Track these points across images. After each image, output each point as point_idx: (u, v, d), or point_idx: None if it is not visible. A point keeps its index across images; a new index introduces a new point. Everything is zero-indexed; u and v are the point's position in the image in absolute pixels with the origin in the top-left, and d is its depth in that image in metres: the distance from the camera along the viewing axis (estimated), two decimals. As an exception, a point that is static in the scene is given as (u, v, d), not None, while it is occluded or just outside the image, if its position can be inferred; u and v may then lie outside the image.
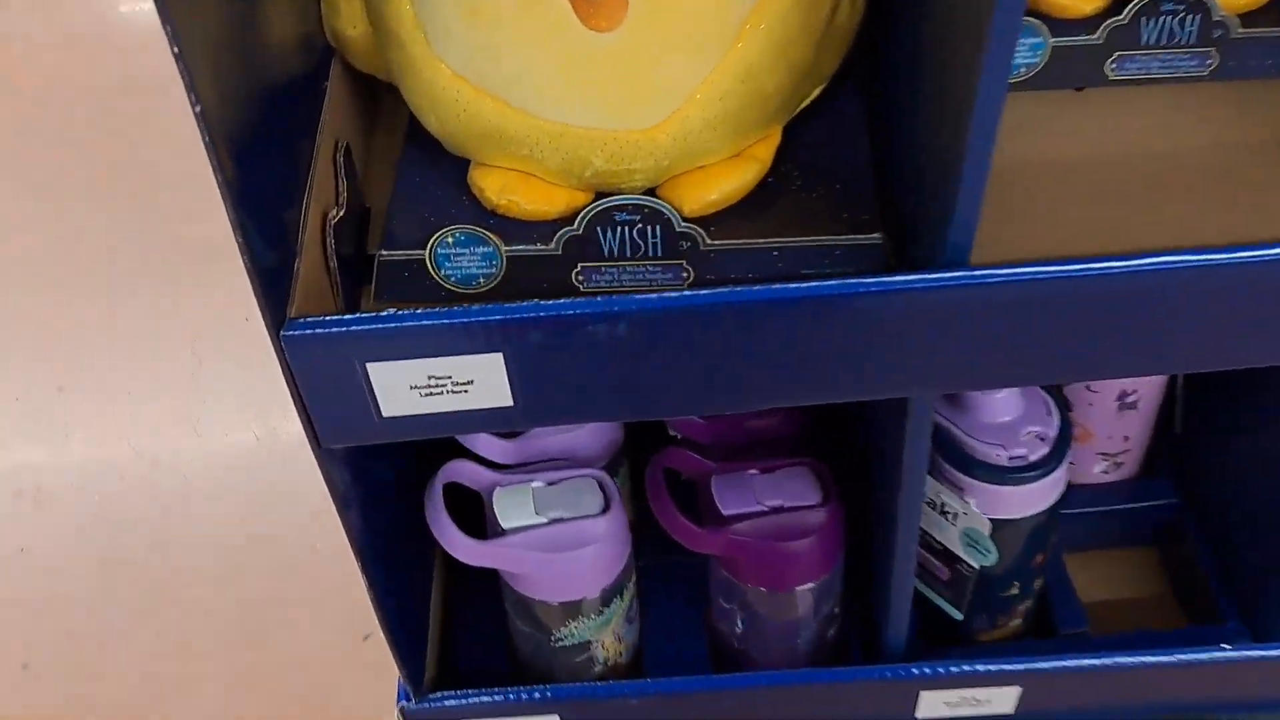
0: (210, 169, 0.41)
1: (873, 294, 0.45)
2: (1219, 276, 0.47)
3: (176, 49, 0.38)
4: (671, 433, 0.70)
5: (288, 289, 0.47)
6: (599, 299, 0.45)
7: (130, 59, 1.41)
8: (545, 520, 0.62)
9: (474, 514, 0.64)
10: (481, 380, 0.47)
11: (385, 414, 0.48)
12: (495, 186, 0.50)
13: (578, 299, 0.45)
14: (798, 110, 0.52)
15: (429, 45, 0.48)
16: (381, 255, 0.50)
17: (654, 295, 0.45)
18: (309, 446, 0.50)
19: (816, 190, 0.52)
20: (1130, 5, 0.56)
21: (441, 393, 0.47)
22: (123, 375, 1.13)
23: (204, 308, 1.16)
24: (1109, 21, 0.56)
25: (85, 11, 1.48)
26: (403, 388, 0.47)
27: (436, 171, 0.53)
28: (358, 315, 0.46)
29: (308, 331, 0.46)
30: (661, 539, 0.65)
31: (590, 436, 0.67)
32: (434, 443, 0.54)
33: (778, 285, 0.45)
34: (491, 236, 0.48)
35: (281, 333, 0.46)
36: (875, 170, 0.53)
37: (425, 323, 0.45)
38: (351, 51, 0.53)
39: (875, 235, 0.50)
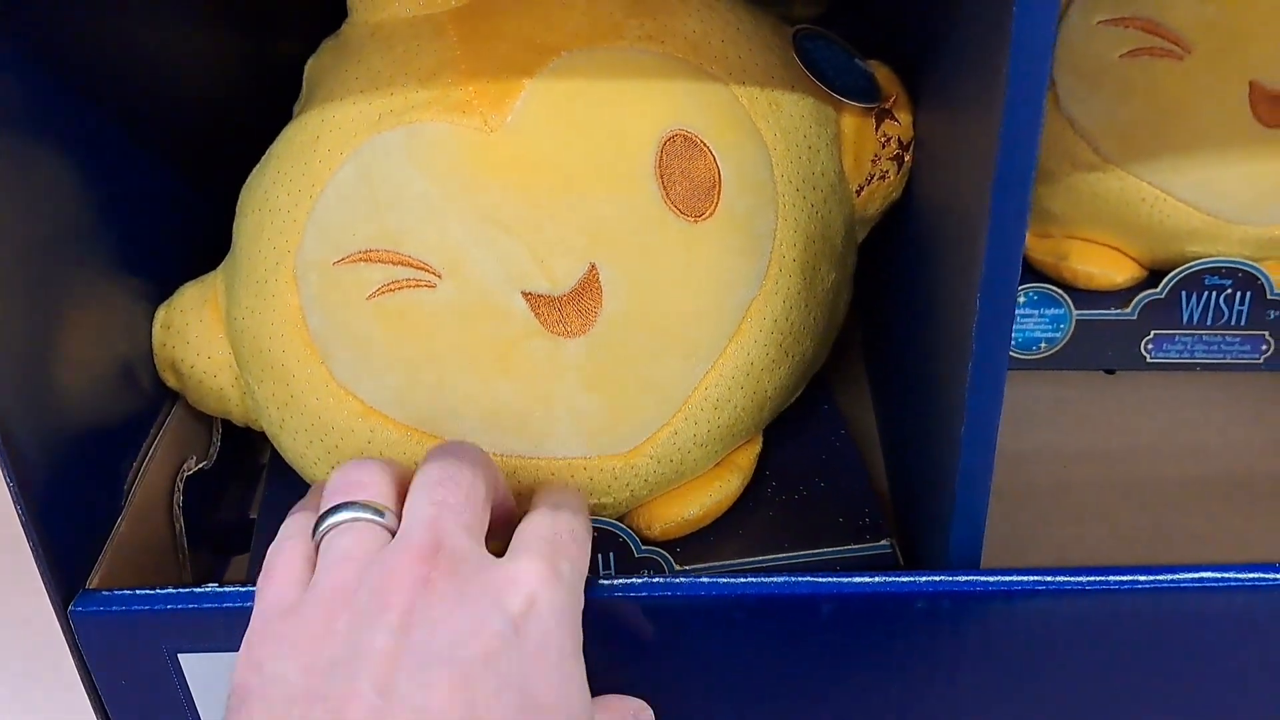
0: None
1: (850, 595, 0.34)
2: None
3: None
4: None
5: (96, 555, 0.36)
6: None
7: None
8: None
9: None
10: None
11: (207, 728, 0.36)
12: None
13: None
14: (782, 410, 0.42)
15: (331, 373, 0.36)
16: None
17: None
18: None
19: (800, 493, 0.41)
20: (1168, 278, 0.47)
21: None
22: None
23: None
24: (1143, 295, 0.48)
25: None
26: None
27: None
28: (167, 590, 0.34)
29: (100, 609, 0.34)
30: None
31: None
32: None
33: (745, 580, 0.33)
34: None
35: (70, 608, 0.34)
36: (887, 455, 0.44)
37: (248, 604, 0.33)
38: (199, 392, 0.39)
39: (884, 542, 0.39)
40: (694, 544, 0.39)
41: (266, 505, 0.43)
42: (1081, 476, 0.45)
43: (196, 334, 0.39)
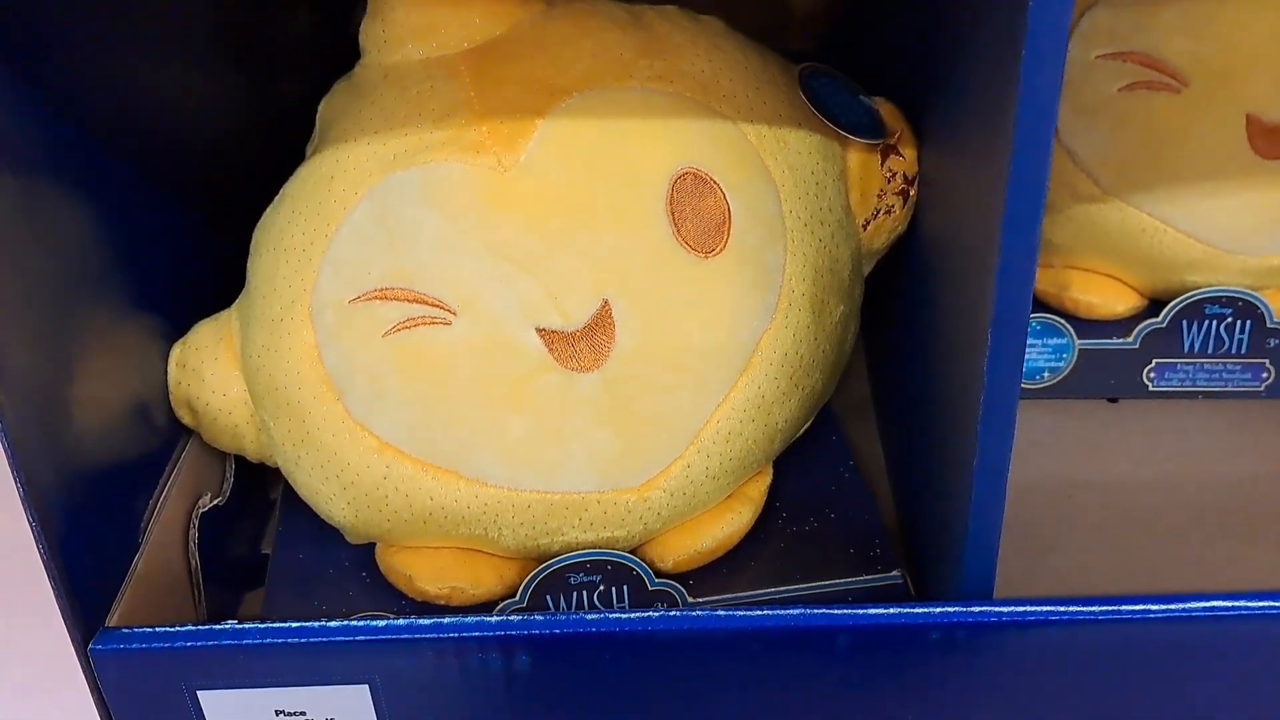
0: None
1: (867, 628, 0.34)
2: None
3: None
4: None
5: (114, 592, 0.36)
6: (505, 620, 0.34)
7: None
8: None
9: None
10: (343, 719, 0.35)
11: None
12: (430, 573, 0.38)
13: (477, 620, 0.34)
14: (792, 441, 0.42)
15: (347, 410, 0.37)
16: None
17: (598, 616, 0.34)
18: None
19: (810, 525, 0.42)
20: (1169, 307, 0.48)
21: (296, 732, 0.36)
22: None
23: None
24: (1145, 324, 0.48)
25: None
26: (245, 728, 0.36)
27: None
28: (187, 628, 0.35)
29: (120, 646, 0.34)
30: None
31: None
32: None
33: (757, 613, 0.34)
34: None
35: (90, 646, 0.35)
36: (896, 486, 0.44)
37: (267, 641, 0.34)
38: (214, 429, 0.40)
39: (895, 573, 0.39)
40: (707, 576, 0.39)
41: (279, 540, 0.43)
42: (1086, 505, 0.46)
43: (211, 372, 0.39)
